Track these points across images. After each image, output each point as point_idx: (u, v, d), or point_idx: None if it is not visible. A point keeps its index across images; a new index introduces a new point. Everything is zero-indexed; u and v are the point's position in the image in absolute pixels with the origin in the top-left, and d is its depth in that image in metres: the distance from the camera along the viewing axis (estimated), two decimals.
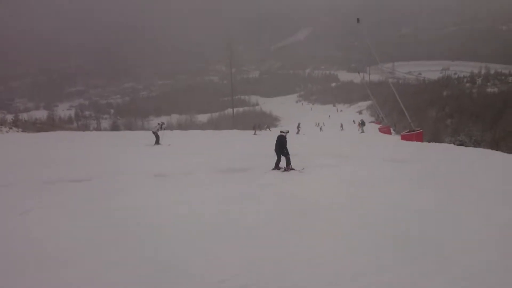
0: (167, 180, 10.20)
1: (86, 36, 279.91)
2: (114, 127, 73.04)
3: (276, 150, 12.04)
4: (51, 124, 52.96)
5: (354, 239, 5.52)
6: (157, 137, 21.19)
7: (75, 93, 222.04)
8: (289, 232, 5.86)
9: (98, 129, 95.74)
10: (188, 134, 33.97)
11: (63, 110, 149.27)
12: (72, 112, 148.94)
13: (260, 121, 46.94)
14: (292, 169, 11.82)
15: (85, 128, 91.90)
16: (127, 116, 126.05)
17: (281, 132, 12.29)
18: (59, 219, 6.28)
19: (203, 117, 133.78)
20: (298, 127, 46.35)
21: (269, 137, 32.91)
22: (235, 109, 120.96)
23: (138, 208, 7.04)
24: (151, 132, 22.41)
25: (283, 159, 12.10)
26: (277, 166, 12.10)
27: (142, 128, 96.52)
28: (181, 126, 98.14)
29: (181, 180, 10.25)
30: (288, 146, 11.96)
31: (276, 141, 11.98)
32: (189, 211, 6.91)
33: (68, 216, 6.51)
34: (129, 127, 75.67)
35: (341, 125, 54.82)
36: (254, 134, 36.22)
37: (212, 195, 8.16)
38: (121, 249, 5.15)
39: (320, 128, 54.53)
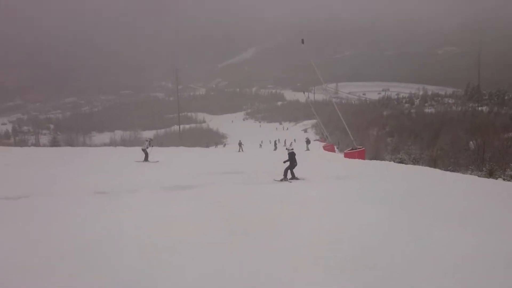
0: (105, 198, 9.45)
1: (25, 49, 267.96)
2: (54, 143, 69.12)
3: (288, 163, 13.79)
4: None
5: (300, 256, 5.24)
6: (146, 154, 21.10)
7: (13, 108, 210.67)
8: (233, 252, 5.45)
9: (36, 144, 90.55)
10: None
11: None
12: (9, 127, 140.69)
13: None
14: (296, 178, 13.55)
15: (22, 143, 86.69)
16: (68, 132, 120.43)
17: (291, 149, 14.13)
18: None
19: (148, 134, 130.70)
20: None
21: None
22: (181, 126, 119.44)
23: (69, 228, 6.32)
24: (140, 149, 22.19)
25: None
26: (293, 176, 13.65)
27: (84, 144, 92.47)
28: (126, 142, 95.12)
29: (122, 198, 9.53)
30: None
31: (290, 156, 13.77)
32: (120, 233, 6.22)
33: None
34: (70, 143, 71.99)
35: (275, 143, 55.44)
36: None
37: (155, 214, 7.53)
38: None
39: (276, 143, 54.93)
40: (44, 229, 6.41)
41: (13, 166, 16.49)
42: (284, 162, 13.79)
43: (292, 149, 14.13)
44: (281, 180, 13.27)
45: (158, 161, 20.84)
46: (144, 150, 21.27)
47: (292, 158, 13.64)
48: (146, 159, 20.92)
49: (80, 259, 5.12)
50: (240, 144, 43.55)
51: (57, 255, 5.22)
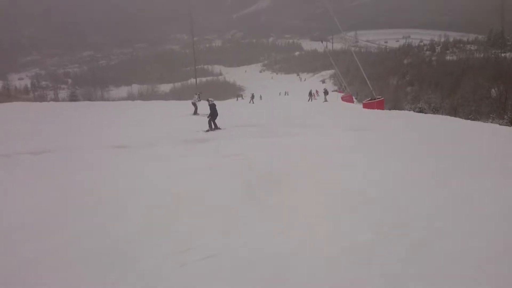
0: (125, 152, 9.69)
1: (39, 3, 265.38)
2: (73, 98, 70.02)
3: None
4: (7, 95, 50.07)
5: (316, 206, 5.41)
6: (196, 108, 20.87)
7: (30, 63, 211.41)
8: (253, 200, 5.66)
9: (56, 99, 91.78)
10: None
11: (16, 80, 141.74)
12: (28, 82, 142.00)
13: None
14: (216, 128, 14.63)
15: (42, 98, 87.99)
16: (86, 86, 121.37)
17: (212, 101, 15.27)
18: (13, 192, 5.97)
19: (165, 87, 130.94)
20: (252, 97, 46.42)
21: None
22: (198, 79, 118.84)
23: (92, 181, 6.63)
24: (190, 102, 21.96)
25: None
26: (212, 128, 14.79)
27: (102, 99, 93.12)
28: (143, 96, 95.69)
29: (142, 151, 9.77)
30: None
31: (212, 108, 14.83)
32: (143, 185, 6.52)
33: (21, 190, 6.18)
34: (88, 98, 72.82)
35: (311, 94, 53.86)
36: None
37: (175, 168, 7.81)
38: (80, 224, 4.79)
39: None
40: (65, 182, 6.66)
41: (34, 121, 16.70)
42: (208, 116, 14.74)
43: (213, 100, 15.42)
44: (207, 131, 14.06)
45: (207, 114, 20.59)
46: (194, 104, 20.95)
47: (213, 110, 14.71)
48: (195, 112, 20.57)
49: (101, 211, 5.32)
50: (252, 96, 44.76)
51: (76, 209, 5.43)
